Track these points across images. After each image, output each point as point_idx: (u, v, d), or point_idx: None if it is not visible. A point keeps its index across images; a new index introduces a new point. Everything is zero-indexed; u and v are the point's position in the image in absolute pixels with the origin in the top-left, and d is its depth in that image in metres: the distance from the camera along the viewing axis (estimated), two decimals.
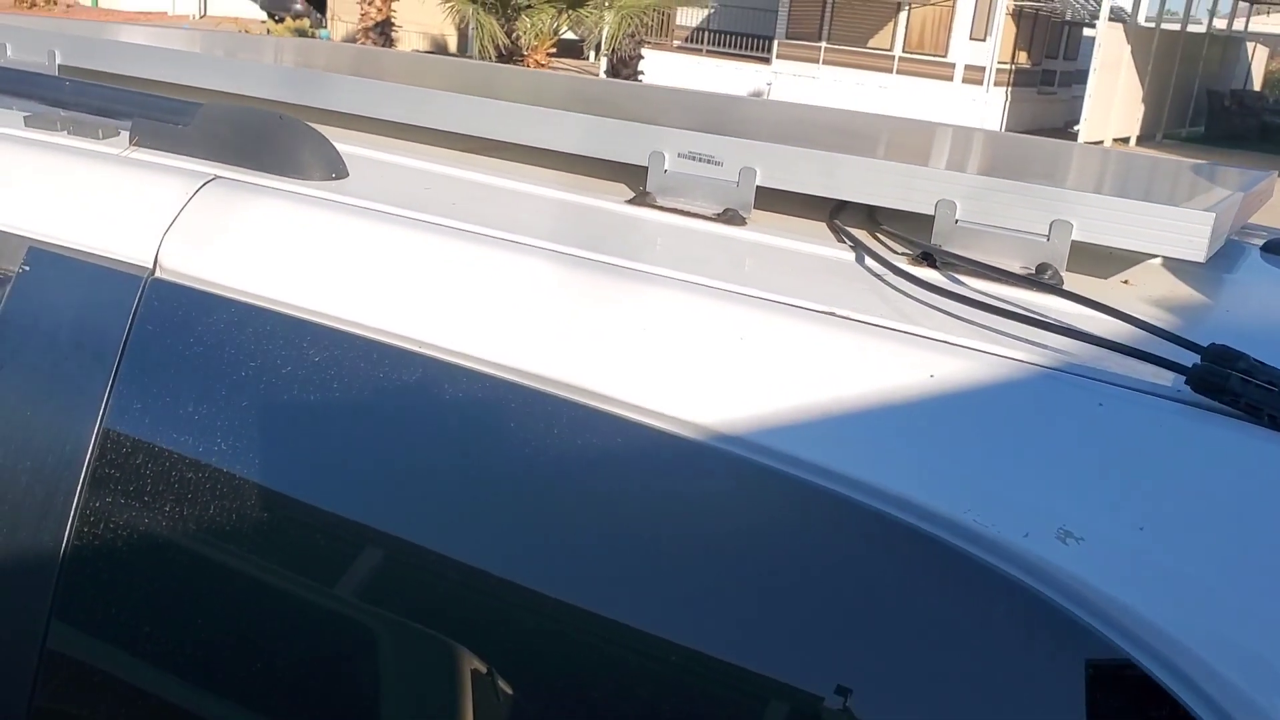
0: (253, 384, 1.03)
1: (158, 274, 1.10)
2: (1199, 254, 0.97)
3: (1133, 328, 0.90)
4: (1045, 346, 0.87)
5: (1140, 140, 23.57)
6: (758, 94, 24.65)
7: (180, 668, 1.03)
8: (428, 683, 0.93)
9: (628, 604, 0.87)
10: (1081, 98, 21.45)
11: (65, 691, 1.07)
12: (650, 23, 15.09)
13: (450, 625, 0.94)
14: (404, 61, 2.23)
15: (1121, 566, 0.74)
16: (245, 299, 1.05)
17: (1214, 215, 0.96)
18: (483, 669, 0.92)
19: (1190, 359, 0.82)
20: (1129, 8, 23.71)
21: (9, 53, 1.62)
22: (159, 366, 1.07)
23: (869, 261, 1.06)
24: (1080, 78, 23.00)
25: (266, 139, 1.18)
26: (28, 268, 1.15)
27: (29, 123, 1.31)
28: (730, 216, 1.14)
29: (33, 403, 1.11)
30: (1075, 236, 1.01)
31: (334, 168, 1.19)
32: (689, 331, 0.92)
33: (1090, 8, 24.25)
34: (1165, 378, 0.83)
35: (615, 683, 0.87)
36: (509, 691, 0.91)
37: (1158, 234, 0.99)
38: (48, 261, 1.15)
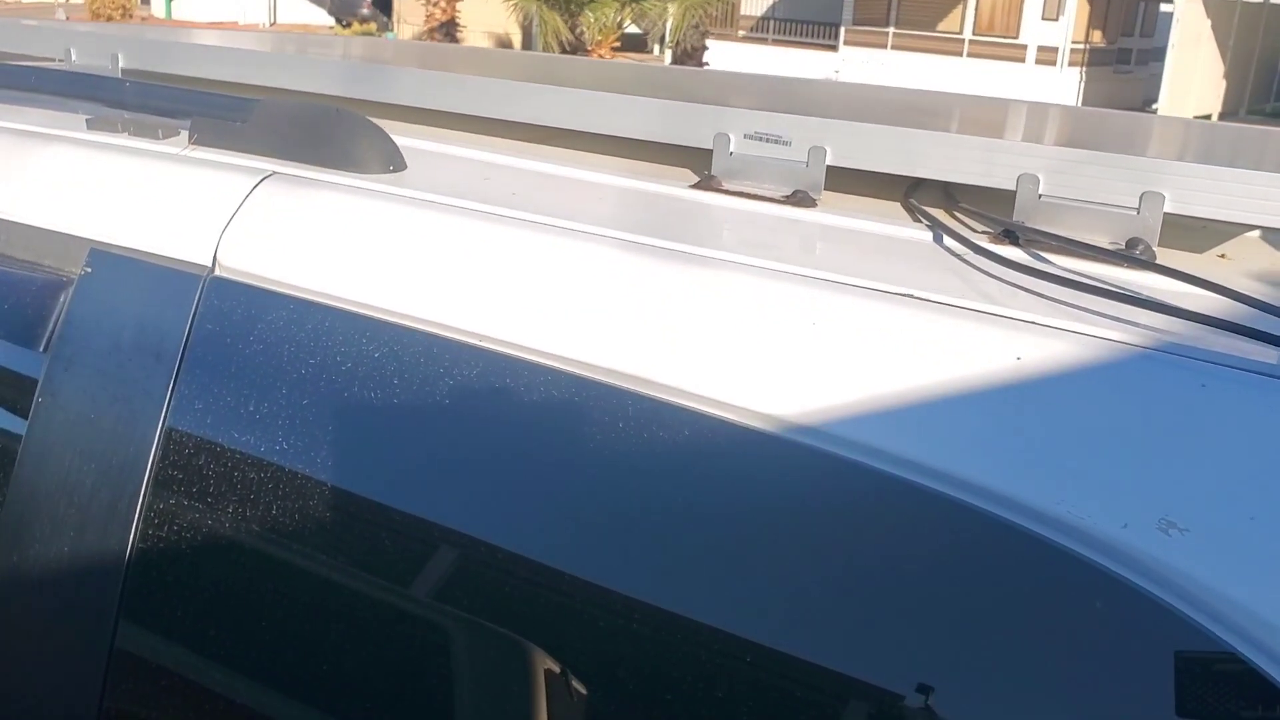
0: (313, 381, 1.01)
1: (217, 272, 1.09)
2: None
3: (1234, 303, 0.84)
4: (1140, 325, 0.81)
5: (1223, 117, 22.87)
6: None
7: (247, 666, 1.02)
8: (500, 682, 0.91)
9: (705, 602, 0.84)
10: (1160, 75, 20.89)
11: (134, 691, 1.07)
12: (714, 13, 14.99)
13: (524, 625, 0.91)
14: (461, 54, 2.21)
15: (1230, 559, 0.68)
16: (304, 295, 1.04)
17: None
18: (556, 669, 0.89)
19: None
20: None
21: (73, 56, 1.64)
22: (220, 365, 1.05)
23: (948, 240, 1.01)
24: (1158, 55, 22.40)
25: (323, 133, 1.16)
26: (89, 270, 1.15)
27: (91, 125, 1.31)
28: (800, 198, 1.10)
29: (97, 404, 1.10)
30: (1168, 209, 0.95)
31: (391, 160, 1.17)
32: (759, 319, 0.88)
33: None
34: (1272, 355, 0.77)
35: (693, 684, 0.84)
36: (583, 692, 0.88)
37: (1258, 203, 0.92)
38: (109, 263, 1.14)
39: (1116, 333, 0.80)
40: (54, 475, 1.11)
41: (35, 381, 1.14)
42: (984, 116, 1.48)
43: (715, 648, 0.83)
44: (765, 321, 0.87)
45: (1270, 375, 0.75)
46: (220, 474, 1.03)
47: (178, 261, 1.10)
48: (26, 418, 1.14)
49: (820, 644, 0.79)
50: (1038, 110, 1.67)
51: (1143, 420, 0.75)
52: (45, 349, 1.15)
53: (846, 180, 1.12)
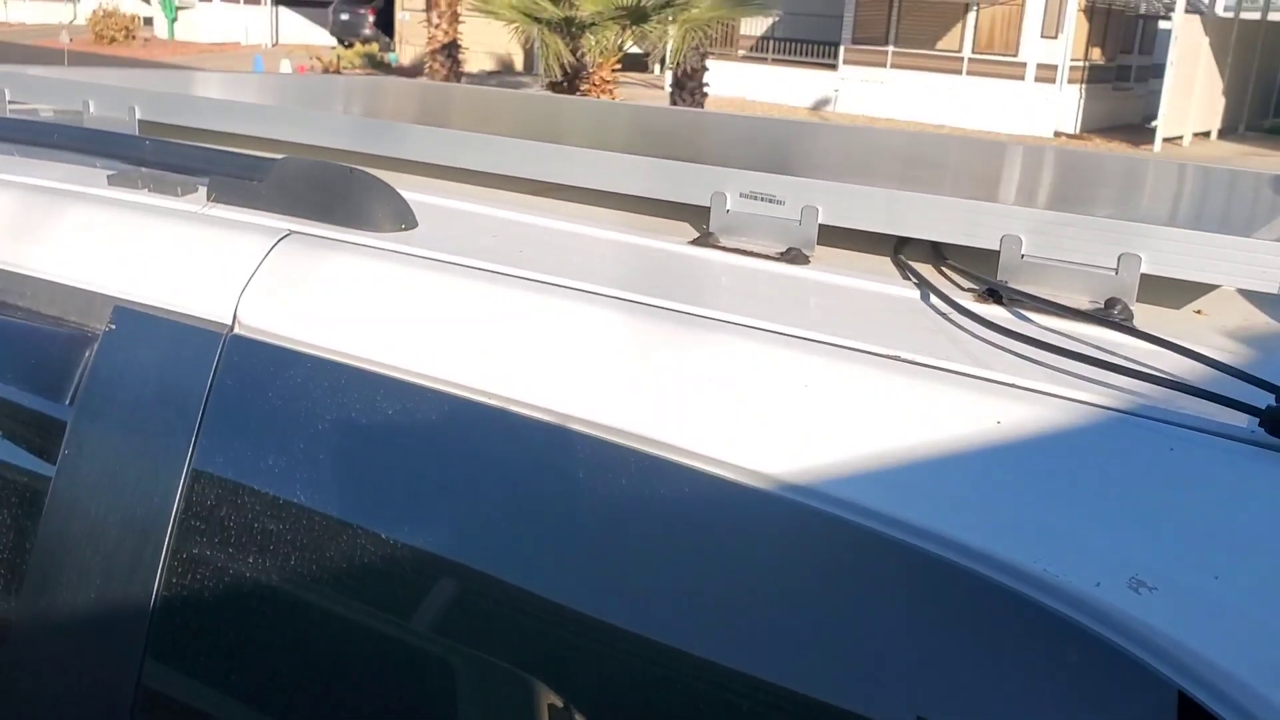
0: (329, 436, 1.06)
1: (237, 330, 1.13)
2: (1273, 285, 0.95)
3: (1205, 366, 0.89)
4: (1115, 388, 0.86)
5: (1222, 134, 22.98)
6: (825, 101, 24.54)
7: (268, 710, 1.07)
8: None
9: (699, 653, 0.88)
10: (1159, 92, 20.98)
11: None
12: (714, 34, 15.09)
13: (537, 671, 0.95)
14: (468, 99, 2.27)
15: (1197, 616, 0.73)
16: (321, 354, 1.08)
17: None
18: (576, 715, 0.93)
19: (1265, 399, 0.80)
20: None
21: (91, 109, 1.69)
22: (240, 420, 1.10)
23: (934, 300, 1.06)
24: (1157, 72, 22.51)
25: (338, 192, 1.21)
26: (113, 326, 1.20)
27: (112, 181, 1.36)
28: (794, 255, 1.14)
29: (121, 457, 1.15)
30: (1144, 270, 0.99)
31: (403, 219, 1.22)
32: (753, 379, 0.92)
33: (1165, 0, 23.72)
34: (1239, 419, 0.81)
35: None
36: None
37: (1229, 266, 0.97)
38: (132, 320, 1.19)
39: (1091, 395, 0.85)
40: (80, 525, 1.15)
41: (61, 434, 1.19)
42: (971, 166, 1.53)
43: (710, 697, 0.87)
44: (760, 382, 0.92)
45: (1233, 438, 0.80)
46: (241, 525, 1.08)
47: (199, 319, 1.15)
48: (53, 469, 1.18)
49: (810, 694, 0.84)
50: (1025, 156, 1.72)
51: (1114, 482, 0.79)
52: (71, 402, 1.19)
53: (839, 234, 1.17)
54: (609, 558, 0.93)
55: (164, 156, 1.35)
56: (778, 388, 0.91)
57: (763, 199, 1.17)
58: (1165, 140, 20.64)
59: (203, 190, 1.31)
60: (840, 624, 0.83)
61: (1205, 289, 1.11)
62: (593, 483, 0.94)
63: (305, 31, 34.74)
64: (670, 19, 12.46)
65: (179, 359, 1.15)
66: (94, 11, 34.14)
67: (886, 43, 24.17)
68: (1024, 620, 0.77)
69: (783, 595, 0.86)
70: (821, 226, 1.14)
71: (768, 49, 25.94)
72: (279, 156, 1.29)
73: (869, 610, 0.83)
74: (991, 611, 0.78)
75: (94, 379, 1.19)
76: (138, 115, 1.65)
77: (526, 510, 0.98)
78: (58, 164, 1.45)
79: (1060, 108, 22.60)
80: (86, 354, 1.20)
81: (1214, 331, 1.02)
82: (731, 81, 24.41)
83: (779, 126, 2.04)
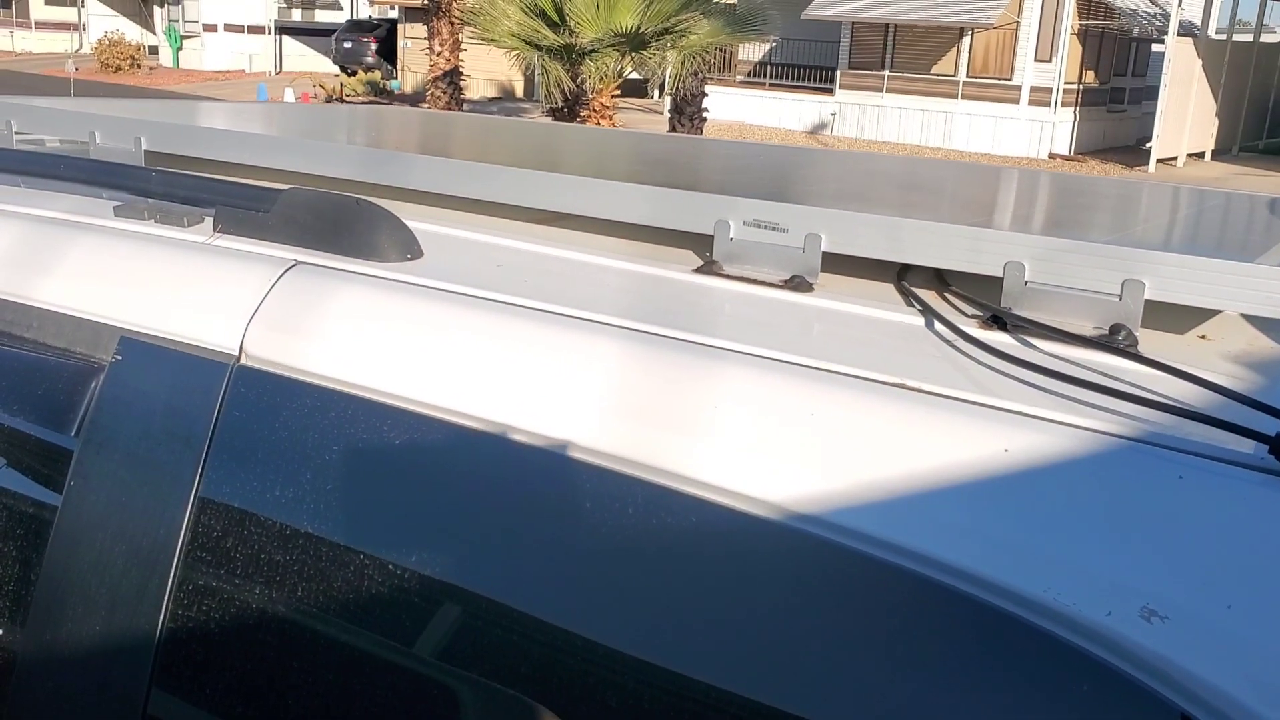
0: (335, 466, 1.06)
1: (243, 361, 1.14)
2: (1276, 310, 0.95)
3: (1211, 392, 0.89)
4: (1121, 415, 0.86)
5: (1215, 154, 23.07)
6: (822, 126, 24.63)
7: None
8: None
9: (703, 679, 0.88)
10: (1153, 114, 21.10)
11: None
12: (713, 60, 15.18)
13: (546, 700, 0.95)
14: (471, 127, 2.28)
15: (1209, 646, 0.73)
16: (326, 384, 1.09)
17: None
18: None
19: (1273, 425, 0.80)
20: (1198, 21, 23.30)
21: (98, 140, 1.70)
22: (246, 451, 1.10)
23: (938, 326, 1.06)
24: (1151, 94, 22.63)
25: (344, 223, 1.22)
26: (120, 357, 1.20)
27: (118, 212, 1.36)
28: (797, 283, 1.15)
29: (127, 487, 1.15)
30: (1148, 295, 1.00)
31: (409, 248, 1.22)
32: (759, 408, 0.93)
33: (1158, 23, 23.86)
34: (1247, 445, 0.81)
35: None
36: None
37: (1232, 290, 0.97)
38: (139, 350, 1.19)
39: (1098, 423, 0.85)
40: (87, 555, 1.15)
41: (68, 464, 1.19)
42: (972, 192, 1.54)
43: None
44: (765, 411, 0.92)
45: (1241, 465, 0.80)
46: (247, 555, 1.08)
47: (205, 350, 1.16)
48: (59, 499, 1.18)
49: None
50: (1025, 181, 1.72)
51: (1124, 510, 0.79)
52: (77, 433, 1.19)
53: (842, 261, 1.17)
54: (614, 586, 0.93)
55: (170, 188, 1.36)
56: (783, 416, 0.92)
57: (766, 227, 1.17)
58: (1160, 161, 20.72)
59: (209, 221, 1.31)
60: (848, 652, 0.83)
61: (1209, 314, 1.12)
62: (599, 511, 0.94)
63: (308, 59, 34.96)
64: (669, 45, 12.54)
65: (185, 389, 1.15)
66: (99, 40, 34.37)
67: (882, 67, 24.31)
68: (1035, 650, 0.77)
69: (789, 624, 0.86)
70: (825, 254, 1.15)
71: (765, 74, 26.09)
72: (285, 187, 1.29)
73: (877, 638, 0.83)
74: (1001, 641, 0.78)
75: (100, 409, 1.19)
76: (144, 146, 1.66)
77: (532, 539, 0.97)
78: (64, 195, 1.45)
79: (1055, 130, 22.71)
80: (93, 384, 1.20)
81: (1219, 357, 1.02)
82: (730, 107, 24.55)
83: (780, 153, 2.05)
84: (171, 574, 1.11)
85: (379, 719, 1.00)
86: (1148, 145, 21.32)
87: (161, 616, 1.11)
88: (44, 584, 1.17)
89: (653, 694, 0.90)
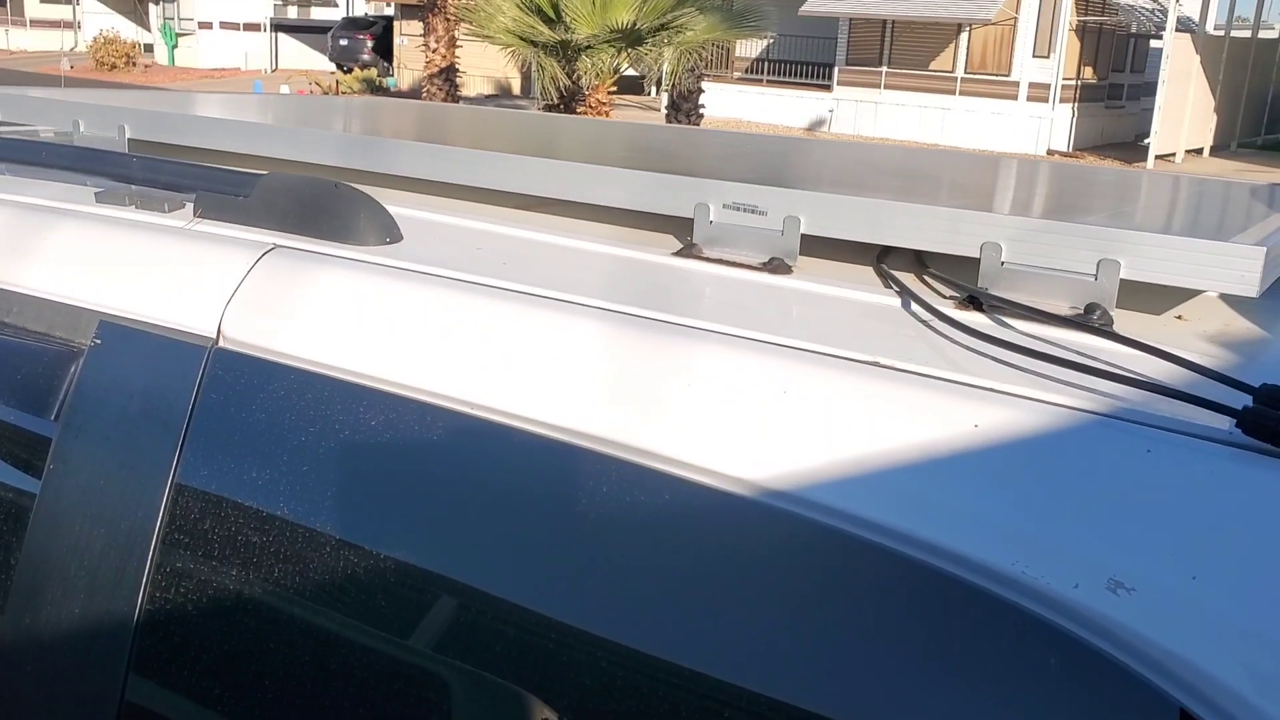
0: (313, 448, 1.06)
1: (221, 343, 1.14)
2: (1251, 289, 0.96)
3: (1183, 369, 0.89)
4: (1093, 391, 0.86)
5: (1214, 150, 23.08)
6: (820, 122, 24.63)
7: (249, 717, 1.06)
8: None
9: (682, 658, 0.88)
10: (1151, 110, 21.10)
11: None
12: (709, 56, 15.18)
13: (524, 682, 0.95)
14: (455, 117, 2.28)
15: (1175, 617, 0.73)
16: (305, 366, 1.09)
17: (1265, 249, 0.95)
18: None
19: (1242, 400, 0.80)
20: (1196, 17, 23.30)
21: (82, 129, 1.70)
22: (224, 433, 1.10)
23: (915, 307, 1.06)
24: (1149, 90, 22.64)
25: (323, 207, 1.22)
26: (99, 341, 1.20)
27: (100, 199, 1.36)
28: (776, 265, 1.15)
29: (106, 471, 1.15)
30: (1123, 275, 1.00)
31: (388, 232, 1.22)
32: (734, 387, 0.93)
33: (1156, 19, 23.88)
34: (1218, 420, 0.82)
35: None
36: None
37: (1207, 270, 0.97)
38: (118, 334, 1.19)
39: (1069, 399, 0.85)
40: (65, 539, 1.15)
41: (47, 448, 1.19)
42: (954, 178, 1.54)
43: (693, 706, 0.87)
44: (740, 390, 0.92)
45: (1211, 440, 0.80)
46: (225, 537, 1.08)
47: (184, 333, 1.16)
48: (38, 484, 1.18)
49: (788, 699, 0.83)
50: (1007, 168, 1.72)
51: (1092, 484, 0.80)
52: (56, 417, 1.19)
53: (822, 245, 1.18)
54: (593, 566, 0.93)
55: (151, 173, 1.36)
56: (758, 394, 0.92)
57: (745, 210, 1.17)
58: (1158, 158, 20.73)
59: (189, 206, 1.31)
60: (818, 627, 0.83)
61: (1187, 294, 1.12)
62: (578, 492, 0.95)
63: (304, 57, 34.94)
64: (665, 42, 12.53)
65: (164, 373, 1.15)
66: (95, 39, 34.34)
67: (880, 64, 24.31)
68: (1002, 623, 0.77)
69: (762, 600, 0.86)
70: (804, 236, 1.15)
71: (763, 70, 26.08)
72: (265, 173, 1.29)
73: (846, 614, 0.83)
74: (969, 615, 0.78)
75: (79, 393, 1.19)
76: (127, 134, 1.66)
77: (512, 521, 0.98)
78: (47, 182, 1.45)
79: (1053, 126, 22.72)
80: (72, 369, 1.20)
81: (1194, 336, 1.02)
82: (727, 103, 24.54)
83: (764, 142, 2.05)
84: (149, 557, 1.11)
85: (355, 701, 1.01)
86: (1146, 141, 21.32)
87: (140, 600, 1.11)
88: (23, 568, 1.18)
89: (635, 677, 0.90)
